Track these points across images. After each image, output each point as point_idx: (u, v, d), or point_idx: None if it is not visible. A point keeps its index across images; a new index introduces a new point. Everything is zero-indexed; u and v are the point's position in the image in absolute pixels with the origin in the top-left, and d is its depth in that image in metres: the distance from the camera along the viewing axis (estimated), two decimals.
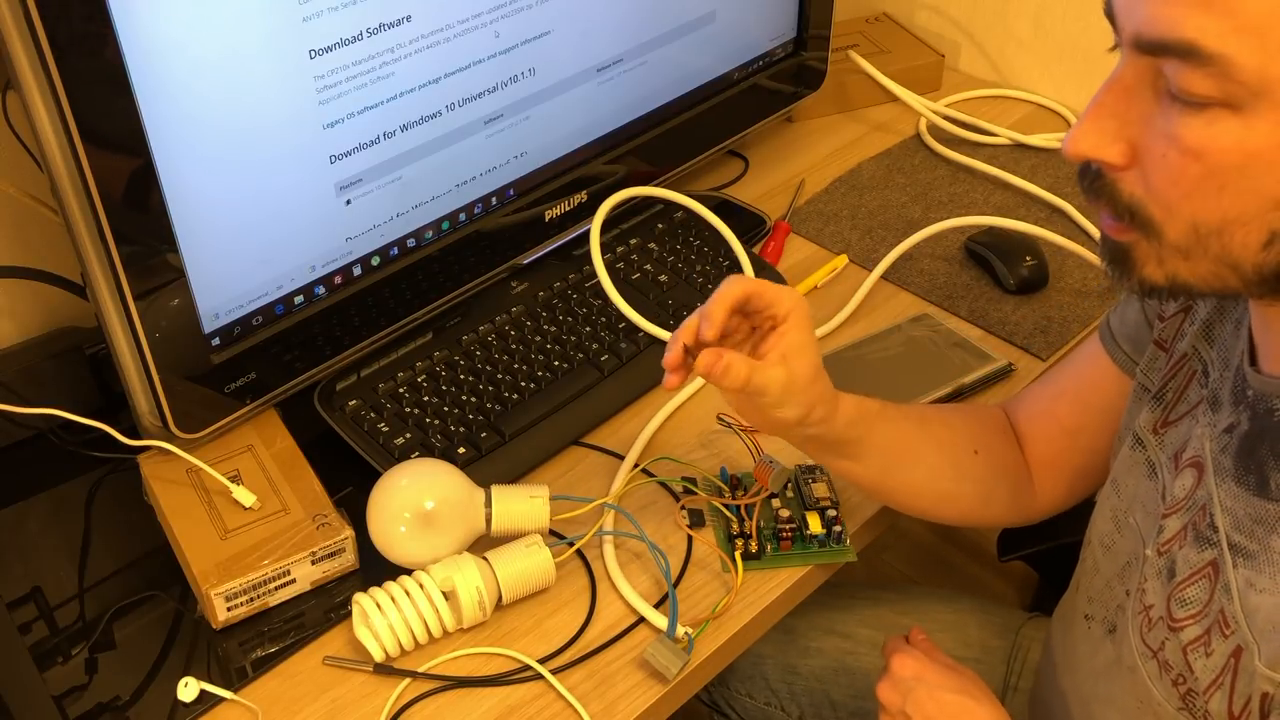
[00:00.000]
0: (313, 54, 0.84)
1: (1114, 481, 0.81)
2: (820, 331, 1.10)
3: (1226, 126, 0.56)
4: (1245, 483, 0.66)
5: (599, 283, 0.81)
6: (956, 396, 1.03)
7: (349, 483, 0.93)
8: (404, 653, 0.83)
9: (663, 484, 0.95)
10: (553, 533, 0.90)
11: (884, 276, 1.17)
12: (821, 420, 0.81)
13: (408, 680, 0.82)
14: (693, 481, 0.94)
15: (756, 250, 1.19)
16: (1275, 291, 0.61)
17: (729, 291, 0.78)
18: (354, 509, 0.88)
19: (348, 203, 0.92)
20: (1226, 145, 0.56)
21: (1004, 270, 1.15)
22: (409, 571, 0.85)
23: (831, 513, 0.91)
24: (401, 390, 0.98)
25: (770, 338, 0.79)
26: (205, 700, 0.81)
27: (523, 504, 0.87)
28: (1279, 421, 0.65)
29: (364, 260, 0.96)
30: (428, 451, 0.94)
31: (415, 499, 0.85)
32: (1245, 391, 0.68)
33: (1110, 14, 0.60)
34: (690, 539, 0.92)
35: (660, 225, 1.17)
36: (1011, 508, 0.93)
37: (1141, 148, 0.60)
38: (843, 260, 1.19)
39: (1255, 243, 0.58)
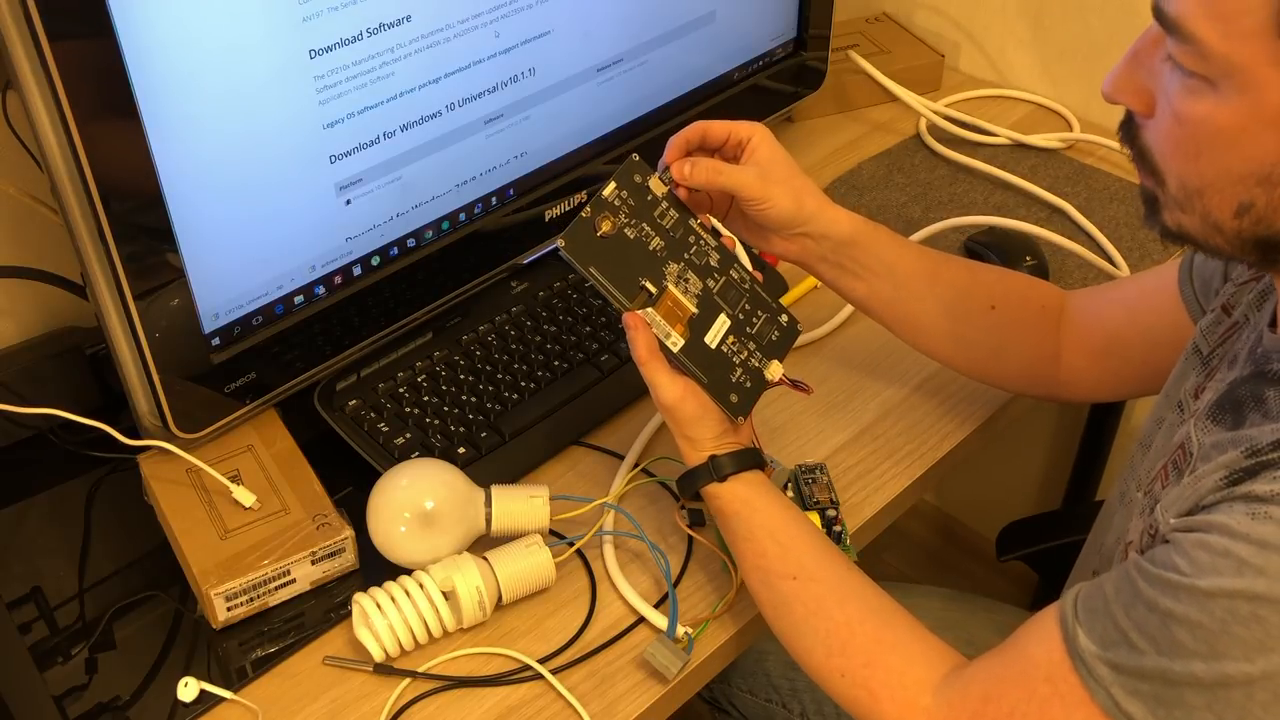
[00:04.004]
0: (313, 54, 0.84)
1: (1143, 445, 0.83)
2: (820, 331, 1.10)
3: (1204, 100, 0.61)
4: (1221, 421, 0.68)
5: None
6: None
7: (349, 483, 0.93)
8: (404, 653, 0.83)
9: (663, 484, 0.95)
10: (553, 533, 0.90)
11: None
12: (816, 212, 0.88)
13: (408, 680, 0.82)
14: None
15: (757, 251, 1.19)
16: (1261, 260, 0.66)
17: (687, 129, 0.87)
18: (354, 509, 0.88)
19: (348, 203, 0.92)
20: (1201, 116, 0.62)
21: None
22: (409, 571, 0.85)
23: (831, 513, 0.91)
24: (401, 390, 0.98)
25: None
26: (205, 700, 0.81)
27: (523, 504, 0.87)
28: (1272, 373, 0.68)
29: (364, 260, 0.96)
30: (428, 451, 0.94)
31: (415, 499, 0.85)
32: (1257, 349, 0.70)
33: None
34: (690, 539, 0.92)
35: None
36: (1027, 374, 0.97)
37: (1155, 102, 0.66)
38: None
39: (1228, 210, 0.64)
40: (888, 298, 0.92)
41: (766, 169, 0.87)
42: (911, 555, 1.92)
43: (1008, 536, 1.23)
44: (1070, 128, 1.40)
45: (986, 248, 1.17)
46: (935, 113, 1.40)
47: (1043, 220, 1.25)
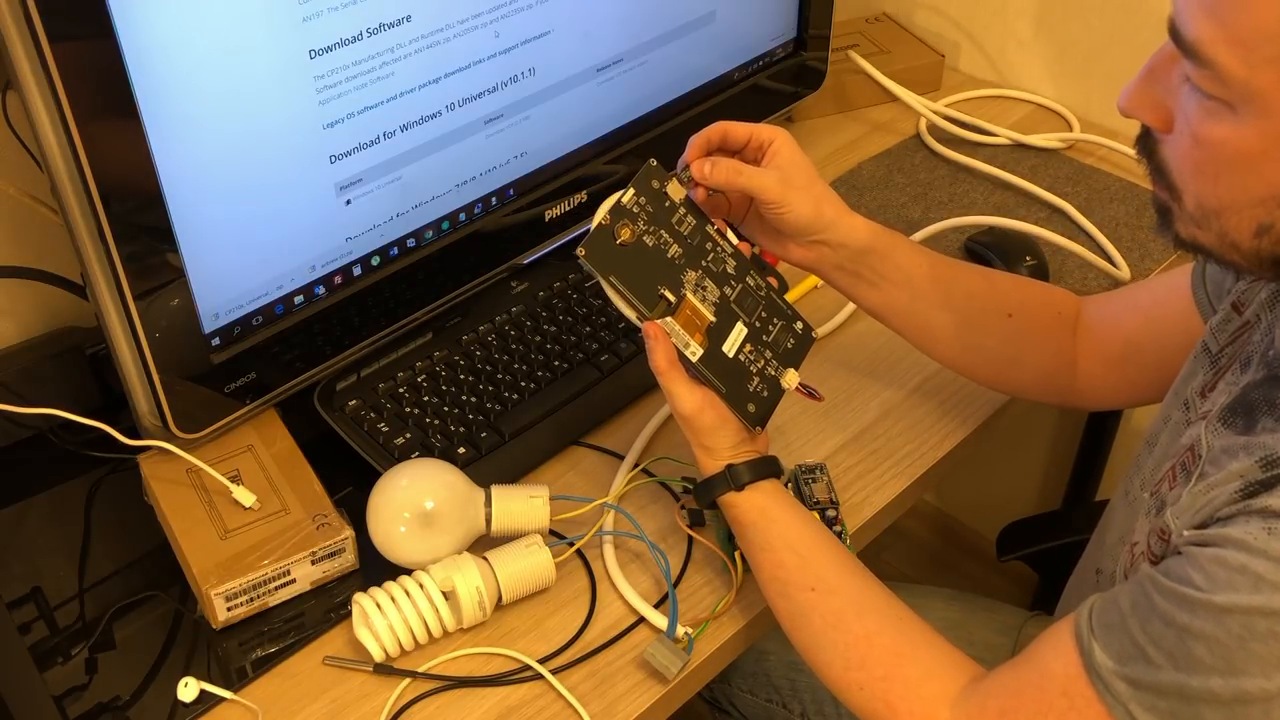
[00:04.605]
0: (313, 54, 0.84)
1: (1149, 443, 0.83)
2: (820, 331, 1.10)
3: (1223, 123, 0.61)
4: (1232, 424, 0.68)
5: (599, 283, 0.81)
6: None
7: (349, 483, 0.93)
8: (404, 653, 0.83)
9: (663, 484, 0.95)
10: (553, 533, 0.90)
11: None
12: (834, 220, 0.87)
13: (408, 680, 0.82)
14: (692, 481, 0.94)
15: (757, 251, 1.19)
16: (1278, 277, 0.66)
17: (708, 129, 0.86)
18: (354, 509, 0.88)
19: (348, 203, 0.92)
20: (1221, 139, 0.61)
21: (1004, 270, 1.15)
22: (409, 571, 0.85)
23: (831, 513, 0.91)
24: (401, 390, 0.98)
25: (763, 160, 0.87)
26: (205, 700, 0.81)
27: (523, 504, 0.87)
28: None
29: (364, 260, 0.96)
30: (428, 451, 0.94)
31: (415, 499, 0.85)
32: (1269, 352, 0.70)
33: None
34: (690, 539, 0.92)
35: None
36: (1043, 382, 0.96)
37: (1173, 118, 0.65)
38: None
39: (1247, 230, 0.64)
40: (904, 307, 0.92)
41: (788, 173, 0.86)
42: (911, 555, 1.92)
43: (1008, 536, 1.23)
44: (1070, 128, 1.40)
45: (986, 248, 1.17)
46: (935, 113, 1.40)
47: (1043, 220, 1.25)
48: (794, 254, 0.90)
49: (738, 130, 0.87)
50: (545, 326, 1.05)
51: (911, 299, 0.91)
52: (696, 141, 0.86)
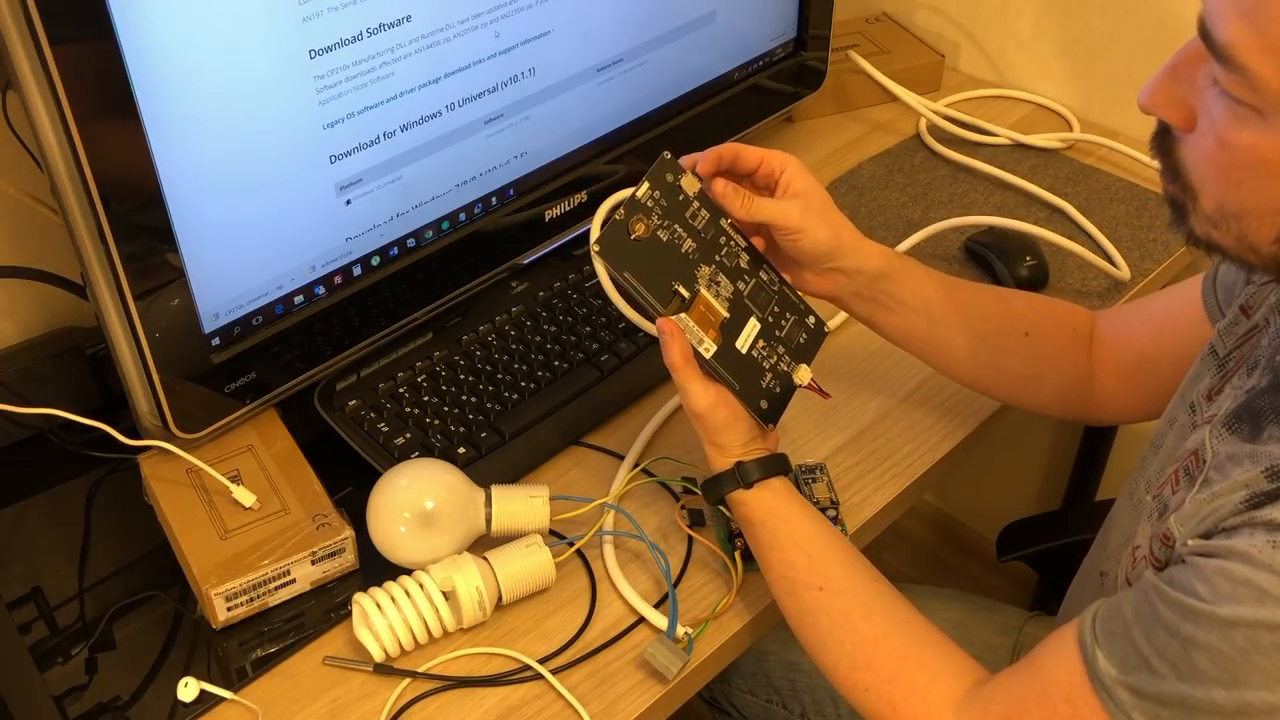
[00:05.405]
0: (313, 54, 0.84)
1: (1154, 445, 0.83)
2: None
3: (1251, 128, 0.60)
4: (1238, 430, 0.68)
5: (599, 283, 0.81)
6: None
7: (349, 483, 0.93)
8: (404, 653, 0.83)
9: (663, 484, 0.95)
10: (553, 533, 0.90)
11: None
12: (853, 246, 0.87)
13: (408, 680, 0.82)
14: (693, 481, 0.94)
15: None
16: None
17: (721, 147, 0.85)
18: (354, 509, 0.89)
19: (348, 203, 0.92)
20: (1248, 145, 0.60)
21: (1004, 270, 1.15)
22: (409, 571, 0.85)
23: (831, 513, 0.91)
24: (401, 390, 0.98)
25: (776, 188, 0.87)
26: (205, 700, 0.81)
27: (523, 504, 0.88)
28: None
29: (364, 260, 0.96)
30: (428, 451, 0.94)
31: (415, 499, 0.85)
32: (1275, 357, 0.70)
33: None
34: (690, 539, 0.92)
35: None
36: (1061, 398, 0.96)
37: (1196, 117, 0.64)
38: None
39: (1268, 235, 0.63)
40: (923, 332, 0.91)
41: (805, 200, 0.86)
42: (911, 555, 1.92)
43: (1008, 536, 1.23)
44: (1070, 128, 1.40)
45: (986, 248, 1.18)
46: (935, 113, 1.40)
47: (1043, 220, 1.25)
48: (811, 284, 0.90)
49: (749, 154, 0.86)
50: (545, 326, 1.05)
51: (930, 324, 0.91)
52: (709, 155, 0.85)
